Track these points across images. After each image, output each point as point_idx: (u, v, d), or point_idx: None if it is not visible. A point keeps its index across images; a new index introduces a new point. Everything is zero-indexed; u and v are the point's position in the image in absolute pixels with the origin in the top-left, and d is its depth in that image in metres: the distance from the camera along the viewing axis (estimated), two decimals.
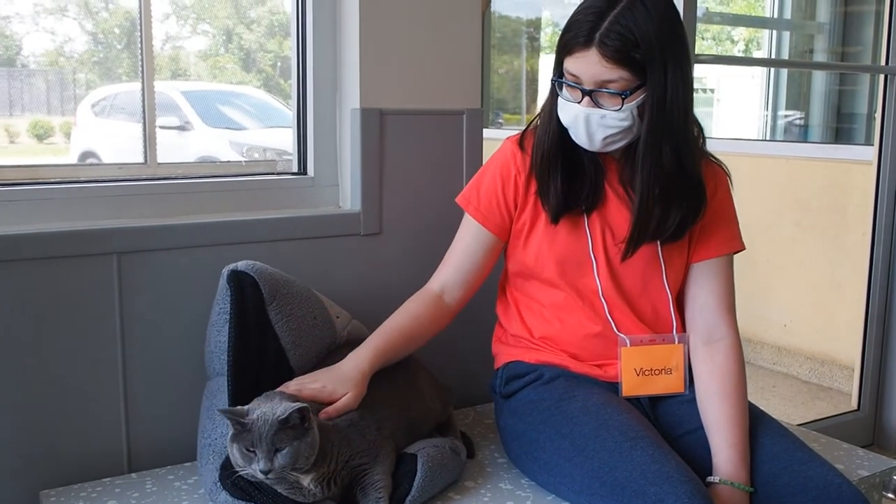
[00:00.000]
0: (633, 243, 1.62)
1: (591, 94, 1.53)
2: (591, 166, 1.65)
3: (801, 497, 1.45)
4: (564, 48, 1.54)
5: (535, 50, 7.71)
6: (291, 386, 1.52)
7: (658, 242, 1.65)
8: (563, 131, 1.62)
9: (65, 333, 1.67)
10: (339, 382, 1.53)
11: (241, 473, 1.41)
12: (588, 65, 1.51)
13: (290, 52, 2.01)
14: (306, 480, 1.43)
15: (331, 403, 1.51)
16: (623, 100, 1.52)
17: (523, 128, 1.74)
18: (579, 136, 1.59)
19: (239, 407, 1.42)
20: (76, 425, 1.70)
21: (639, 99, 1.53)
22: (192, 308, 1.74)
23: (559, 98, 1.59)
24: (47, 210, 1.74)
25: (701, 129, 1.64)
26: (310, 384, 1.53)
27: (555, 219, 1.65)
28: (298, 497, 1.45)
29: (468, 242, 1.73)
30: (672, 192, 1.59)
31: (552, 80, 1.60)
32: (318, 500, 1.46)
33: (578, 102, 1.55)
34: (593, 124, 1.55)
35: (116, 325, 1.71)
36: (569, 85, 1.56)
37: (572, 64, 1.53)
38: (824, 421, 3.28)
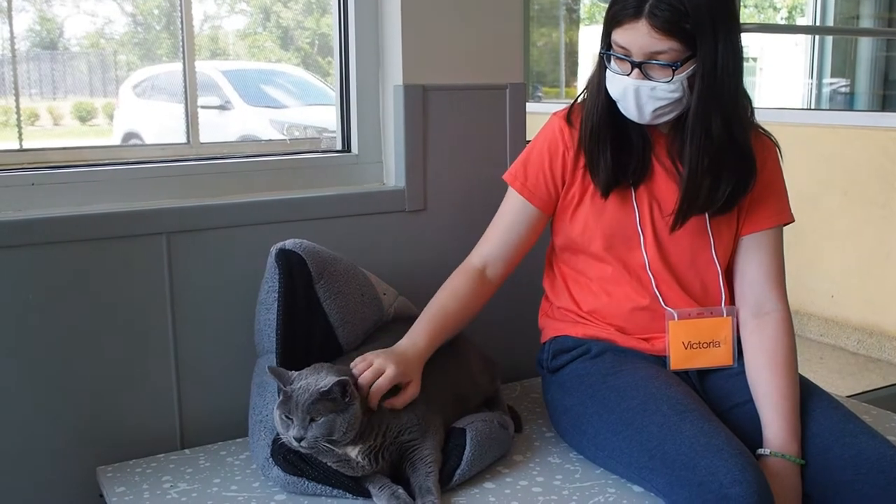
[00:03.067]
0: (682, 215, 1.61)
1: (641, 66, 1.51)
2: (638, 139, 1.64)
3: (852, 469, 1.43)
4: (613, 20, 1.52)
5: (573, 22, 7.63)
6: (359, 369, 1.50)
7: (707, 215, 1.64)
8: (611, 104, 1.60)
9: (117, 313, 1.70)
10: (407, 367, 1.53)
11: (283, 440, 1.44)
12: (637, 36, 1.49)
13: (327, 28, 2.01)
14: (354, 453, 1.45)
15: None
16: (673, 71, 1.50)
17: (564, 101, 1.73)
18: (629, 109, 1.57)
19: (289, 371, 1.45)
20: (130, 403, 1.74)
21: (689, 70, 1.51)
22: (241, 286, 1.76)
23: (607, 71, 1.58)
24: (95, 191, 1.76)
25: (750, 101, 1.62)
26: (377, 374, 1.49)
27: (605, 192, 1.64)
28: (347, 471, 1.47)
29: (512, 217, 1.72)
30: (722, 164, 1.57)
31: (600, 52, 1.58)
32: (366, 474, 1.48)
33: (628, 75, 1.53)
34: (643, 97, 1.53)
35: (167, 304, 1.74)
36: (617, 57, 1.54)
37: (621, 36, 1.51)
38: (873, 392, 3.24)
